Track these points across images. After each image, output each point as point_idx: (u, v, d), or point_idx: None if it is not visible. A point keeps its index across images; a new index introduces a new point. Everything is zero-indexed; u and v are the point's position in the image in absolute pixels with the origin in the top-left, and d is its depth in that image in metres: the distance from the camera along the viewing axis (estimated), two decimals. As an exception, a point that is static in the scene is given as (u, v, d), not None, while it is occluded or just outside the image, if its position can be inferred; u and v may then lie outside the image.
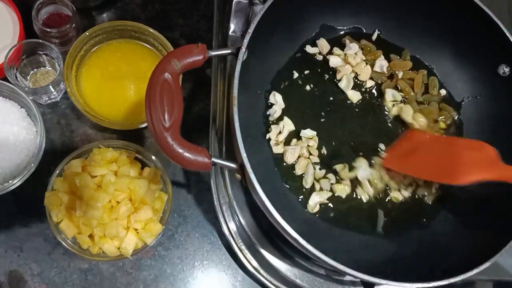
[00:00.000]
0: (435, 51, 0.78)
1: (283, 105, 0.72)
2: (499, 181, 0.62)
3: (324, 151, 0.72)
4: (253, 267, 0.71)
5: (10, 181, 0.69)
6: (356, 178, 0.70)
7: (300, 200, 0.69)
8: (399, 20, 0.77)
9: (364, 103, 0.76)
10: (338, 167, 0.70)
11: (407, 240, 0.69)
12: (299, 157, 0.70)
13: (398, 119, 0.75)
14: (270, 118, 0.72)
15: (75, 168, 0.69)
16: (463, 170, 0.64)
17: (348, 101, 0.75)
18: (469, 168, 0.64)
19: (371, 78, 0.77)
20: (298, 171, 0.70)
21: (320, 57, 0.77)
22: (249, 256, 0.71)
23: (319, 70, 0.76)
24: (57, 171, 0.69)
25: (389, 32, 0.79)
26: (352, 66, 0.75)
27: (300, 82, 0.75)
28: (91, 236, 0.67)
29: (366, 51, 0.77)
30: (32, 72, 0.78)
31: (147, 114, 0.55)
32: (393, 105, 0.75)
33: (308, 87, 0.75)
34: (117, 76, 0.78)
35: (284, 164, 0.70)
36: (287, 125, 0.71)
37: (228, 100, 0.75)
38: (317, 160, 0.71)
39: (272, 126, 0.71)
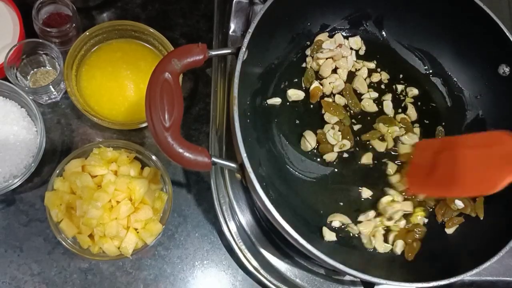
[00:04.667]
0: (435, 51, 0.78)
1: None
2: None
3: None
4: (253, 267, 0.71)
5: (10, 181, 0.69)
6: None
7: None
8: (399, 20, 0.77)
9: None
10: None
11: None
12: None
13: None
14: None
15: (75, 168, 0.69)
16: (495, 176, 0.56)
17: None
18: (500, 170, 0.56)
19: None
20: None
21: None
22: (249, 255, 0.71)
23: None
24: (57, 171, 0.69)
25: (389, 32, 0.79)
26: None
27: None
28: (91, 236, 0.67)
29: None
30: (32, 71, 0.78)
31: (147, 113, 0.55)
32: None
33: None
34: (117, 76, 0.78)
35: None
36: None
37: (228, 100, 0.75)
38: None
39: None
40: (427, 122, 0.75)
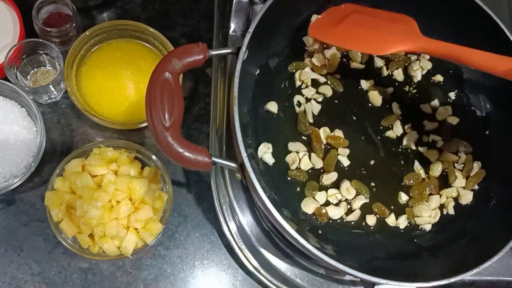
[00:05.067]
0: (435, 51, 0.78)
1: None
2: (419, 52, 0.71)
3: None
4: (253, 267, 0.71)
5: (10, 181, 0.69)
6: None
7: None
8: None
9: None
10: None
11: (407, 240, 0.69)
12: None
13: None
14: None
15: (76, 167, 0.69)
16: (387, 41, 0.66)
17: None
18: (393, 39, 0.66)
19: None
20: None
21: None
22: (249, 255, 0.71)
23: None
24: (58, 171, 0.69)
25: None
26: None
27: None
28: (91, 236, 0.67)
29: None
30: (32, 71, 0.78)
31: (148, 113, 0.55)
32: None
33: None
34: (117, 75, 0.78)
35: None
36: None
37: (229, 100, 0.74)
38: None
39: None
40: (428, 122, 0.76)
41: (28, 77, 0.78)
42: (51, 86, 0.74)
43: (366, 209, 0.69)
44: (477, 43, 0.73)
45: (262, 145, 0.68)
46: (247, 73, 0.65)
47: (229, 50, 0.63)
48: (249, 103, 0.70)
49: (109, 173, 0.68)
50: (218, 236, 0.76)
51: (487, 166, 0.72)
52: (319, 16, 0.73)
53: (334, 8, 0.73)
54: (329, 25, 0.71)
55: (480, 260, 0.59)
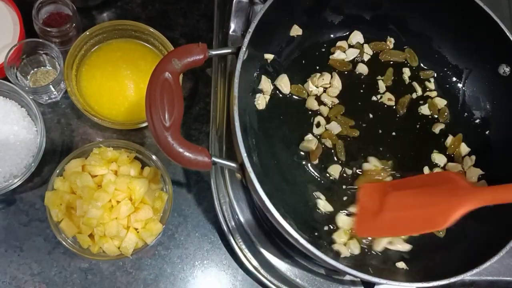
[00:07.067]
0: (435, 51, 0.78)
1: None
2: (485, 205, 0.57)
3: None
4: (253, 267, 0.71)
5: (11, 181, 0.69)
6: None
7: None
8: (399, 19, 0.77)
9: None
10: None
11: (406, 241, 0.69)
12: None
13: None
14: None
15: (76, 167, 0.69)
16: (444, 212, 0.57)
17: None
18: (449, 207, 0.57)
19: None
20: None
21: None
22: (249, 255, 0.71)
23: (318, 68, 0.76)
24: (58, 171, 0.69)
25: (388, 31, 0.79)
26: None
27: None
28: (91, 236, 0.67)
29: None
30: (32, 71, 0.78)
31: (147, 113, 0.55)
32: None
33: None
34: (117, 75, 0.78)
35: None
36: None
37: (229, 100, 0.75)
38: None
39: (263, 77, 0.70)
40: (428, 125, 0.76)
41: (28, 77, 0.78)
42: (51, 86, 0.74)
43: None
44: (477, 44, 0.74)
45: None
46: (247, 73, 0.65)
47: (229, 50, 0.63)
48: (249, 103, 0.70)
49: (109, 173, 0.68)
50: (218, 236, 0.76)
51: (487, 166, 0.72)
52: (356, 210, 0.65)
53: (365, 192, 0.65)
54: (371, 216, 0.62)
55: (480, 260, 0.59)
